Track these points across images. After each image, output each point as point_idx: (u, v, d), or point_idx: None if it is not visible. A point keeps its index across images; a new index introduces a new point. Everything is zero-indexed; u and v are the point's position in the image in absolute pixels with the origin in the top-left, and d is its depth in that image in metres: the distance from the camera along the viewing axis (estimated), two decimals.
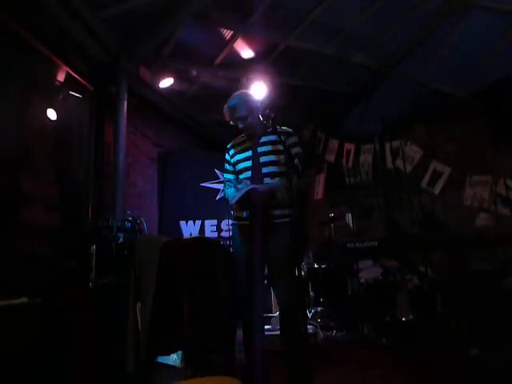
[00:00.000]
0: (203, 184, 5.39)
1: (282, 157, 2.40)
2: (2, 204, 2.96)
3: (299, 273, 2.74)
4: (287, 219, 2.40)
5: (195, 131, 5.86)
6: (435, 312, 3.49)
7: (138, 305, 2.25)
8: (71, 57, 3.83)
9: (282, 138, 2.38)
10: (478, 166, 4.10)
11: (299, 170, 2.35)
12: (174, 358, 2.87)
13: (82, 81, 3.99)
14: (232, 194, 2.43)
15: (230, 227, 2.72)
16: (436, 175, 4.10)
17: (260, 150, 2.45)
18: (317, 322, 3.92)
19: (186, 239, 2.38)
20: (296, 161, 2.33)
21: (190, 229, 5.15)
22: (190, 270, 2.20)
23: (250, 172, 2.47)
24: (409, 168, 4.31)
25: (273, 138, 2.44)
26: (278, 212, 2.39)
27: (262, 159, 2.43)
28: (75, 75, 3.88)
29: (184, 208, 5.21)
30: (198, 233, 5.33)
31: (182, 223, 5.27)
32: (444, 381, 2.58)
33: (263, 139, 2.47)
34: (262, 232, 2.31)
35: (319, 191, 5.50)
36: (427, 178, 4.17)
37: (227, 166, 2.61)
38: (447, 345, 3.16)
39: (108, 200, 4.01)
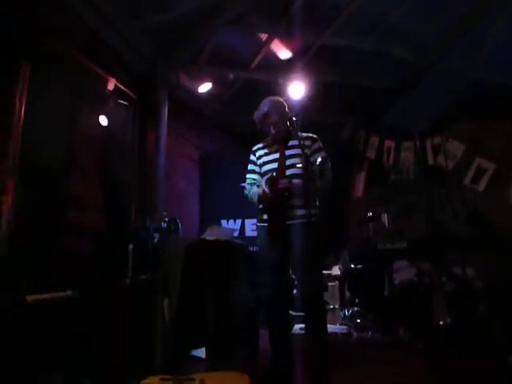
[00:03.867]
0: (243, 184, 5.53)
1: (306, 160, 2.47)
2: (52, 204, 3.26)
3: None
4: (312, 219, 2.45)
5: (234, 132, 6.00)
6: (475, 316, 3.33)
7: (166, 301, 2.41)
8: (114, 68, 4.10)
9: (308, 143, 2.53)
10: None
11: (322, 174, 2.42)
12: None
13: (125, 90, 4.26)
14: (256, 192, 2.52)
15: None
16: (480, 171, 3.89)
17: (287, 153, 2.52)
18: (351, 322, 3.90)
19: (211, 240, 2.48)
20: (317, 166, 2.40)
21: (230, 227, 5.30)
22: (213, 269, 2.31)
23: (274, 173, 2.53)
24: (451, 164, 4.12)
25: (299, 142, 2.50)
26: (301, 212, 2.43)
27: (289, 162, 2.50)
28: (118, 85, 4.16)
29: (225, 207, 5.37)
30: (238, 231, 5.49)
31: (224, 222, 5.45)
32: None
33: (290, 143, 2.54)
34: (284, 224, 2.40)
35: (359, 189, 5.41)
36: (470, 174, 3.97)
37: (252, 167, 2.68)
38: (486, 351, 3.01)
39: (150, 201, 4.26)
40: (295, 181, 2.43)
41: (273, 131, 2.52)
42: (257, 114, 2.53)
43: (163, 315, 2.40)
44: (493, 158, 3.91)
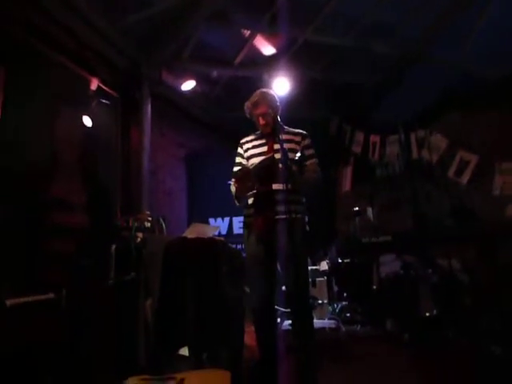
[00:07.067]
0: (230, 181, 5.52)
1: (294, 155, 2.46)
2: (34, 206, 3.22)
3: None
4: (297, 215, 2.45)
5: (220, 130, 5.97)
6: (461, 307, 3.37)
7: (148, 301, 2.39)
8: (96, 68, 4.05)
9: (298, 139, 2.54)
10: (508, 153, 3.84)
11: (301, 171, 2.41)
12: None
13: (108, 89, 4.21)
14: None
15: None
16: (463, 164, 3.92)
17: (275, 147, 2.48)
18: (340, 316, 3.91)
19: (191, 238, 2.46)
20: (294, 161, 2.39)
21: (215, 225, 5.29)
22: (193, 267, 2.30)
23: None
24: (435, 158, 4.14)
25: (288, 137, 2.52)
26: (285, 207, 2.41)
27: (276, 156, 2.47)
28: (101, 84, 4.11)
29: (212, 206, 5.36)
30: (226, 229, 5.49)
31: (211, 220, 5.44)
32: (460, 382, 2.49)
33: (281, 137, 2.52)
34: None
35: (346, 184, 5.42)
36: (454, 167, 3.99)
37: (239, 159, 2.64)
38: (471, 341, 3.04)
39: (135, 200, 4.22)
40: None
41: (262, 122, 2.50)
42: (247, 103, 2.53)
43: (146, 315, 2.38)
44: (476, 150, 3.93)
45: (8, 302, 2.31)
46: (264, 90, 2.60)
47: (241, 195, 2.49)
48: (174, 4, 3.91)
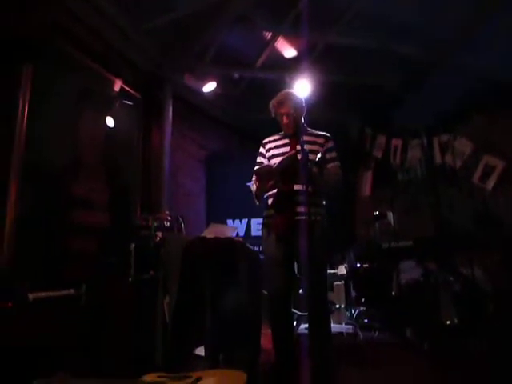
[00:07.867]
0: (249, 183, 5.53)
1: (316, 157, 2.43)
2: (56, 203, 3.29)
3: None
4: (316, 217, 2.43)
5: (240, 132, 6.00)
6: (483, 316, 3.27)
7: (167, 299, 2.41)
8: (120, 69, 4.12)
9: (321, 141, 2.53)
10: None
11: (320, 172, 2.39)
12: None
13: (130, 90, 4.28)
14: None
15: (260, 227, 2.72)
16: (488, 169, 3.81)
17: (298, 148, 2.46)
18: (357, 321, 3.86)
19: (209, 238, 2.47)
20: (314, 163, 2.37)
21: (233, 226, 5.29)
22: (211, 267, 2.30)
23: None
24: (458, 163, 4.05)
25: (311, 138, 2.52)
26: (305, 209, 2.39)
27: (299, 156, 2.47)
28: (124, 86, 4.18)
29: (231, 207, 5.37)
30: (244, 231, 5.49)
31: (229, 221, 5.45)
32: None
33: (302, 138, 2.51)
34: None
35: (366, 188, 5.35)
36: (479, 172, 3.89)
37: (261, 159, 2.65)
38: (493, 351, 2.95)
39: (155, 200, 4.27)
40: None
41: (285, 121, 2.51)
42: (273, 102, 2.56)
43: (164, 313, 2.40)
44: (502, 155, 3.82)
45: (30, 296, 2.37)
46: (291, 90, 2.64)
47: (261, 194, 2.48)
48: (198, 8, 3.94)
